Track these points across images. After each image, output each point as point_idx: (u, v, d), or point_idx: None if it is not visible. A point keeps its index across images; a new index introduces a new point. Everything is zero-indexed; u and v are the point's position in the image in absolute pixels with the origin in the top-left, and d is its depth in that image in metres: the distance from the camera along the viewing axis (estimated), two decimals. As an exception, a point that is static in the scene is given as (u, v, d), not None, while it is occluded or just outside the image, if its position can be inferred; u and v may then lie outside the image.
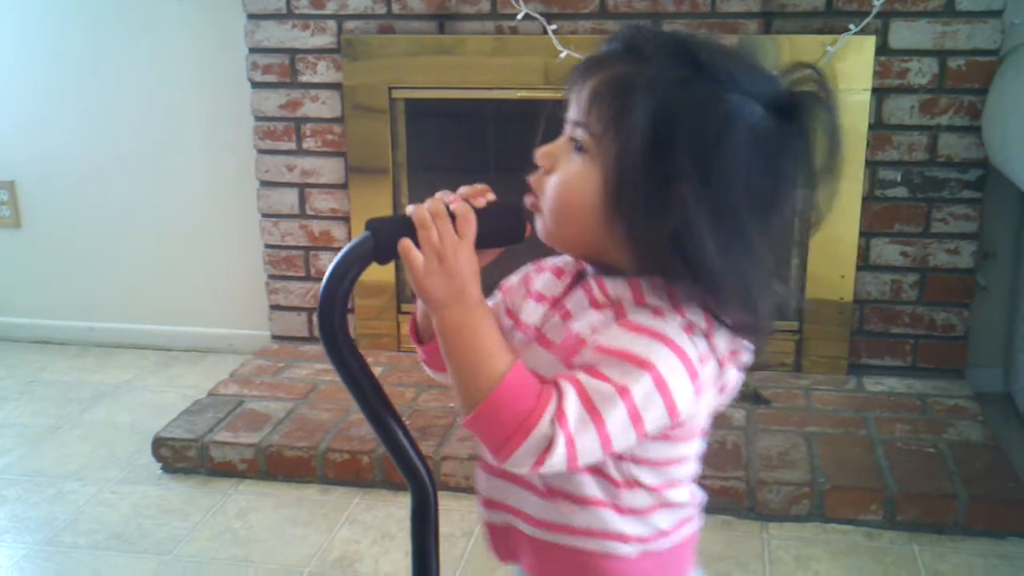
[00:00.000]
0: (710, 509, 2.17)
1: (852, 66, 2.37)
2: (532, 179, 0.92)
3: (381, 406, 0.93)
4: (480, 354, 0.85)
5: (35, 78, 2.93)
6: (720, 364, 0.88)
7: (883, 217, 2.49)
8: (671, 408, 0.84)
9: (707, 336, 0.86)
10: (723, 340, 0.87)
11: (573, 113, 0.88)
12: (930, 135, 2.43)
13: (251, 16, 2.65)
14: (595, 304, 0.89)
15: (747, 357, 0.92)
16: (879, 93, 2.42)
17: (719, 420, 2.49)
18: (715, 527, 2.02)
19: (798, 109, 0.84)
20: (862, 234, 2.50)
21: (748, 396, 2.39)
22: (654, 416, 0.84)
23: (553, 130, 0.92)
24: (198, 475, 2.27)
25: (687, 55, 0.84)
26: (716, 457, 2.12)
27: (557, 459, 0.82)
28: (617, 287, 0.88)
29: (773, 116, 0.83)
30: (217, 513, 2.13)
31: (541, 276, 0.98)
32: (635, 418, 0.83)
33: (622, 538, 0.92)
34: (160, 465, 2.29)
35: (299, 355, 2.74)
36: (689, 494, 0.96)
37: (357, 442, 2.22)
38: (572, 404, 0.82)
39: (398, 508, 2.12)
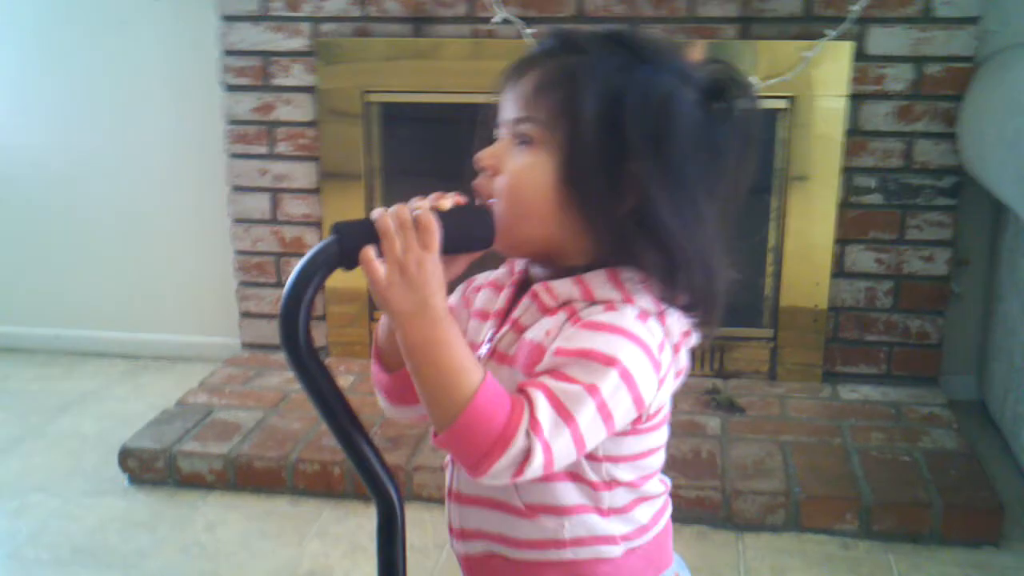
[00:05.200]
0: (685, 519, 2.14)
1: (829, 72, 2.37)
2: (477, 183, 0.92)
3: (344, 416, 0.90)
4: (450, 370, 0.83)
5: (0, 80, 2.88)
6: (675, 348, 0.90)
7: (858, 224, 2.49)
8: (638, 400, 0.85)
9: (661, 320, 0.88)
10: (675, 323, 0.89)
11: (512, 112, 0.90)
12: (906, 142, 2.43)
13: (225, 18, 2.62)
14: (546, 310, 0.90)
15: (696, 339, 0.94)
16: (856, 99, 2.41)
17: (694, 429, 2.47)
18: (690, 537, 1.99)
19: (724, 91, 0.90)
20: (837, 241, 2.49)
21: (723, 404, 2.38)
22: (623, 410, 0.85)
23: (487, 134, 0.94)
24: (166, 487, 2.22)
25: (622, 45, 0.89)
26: (691, 467, 2.10)
27: (536, 467, 0.82)
28: (565, 288, 0.89)
29: (704, 96, 0.89)
30: (185, 526, 2.09)
31: (479, 295, 1.00)
32: (605, 414, 0.83)
33: (610, 540, 0.92)
34: (127, 476, 2.25)
35: (270, 363, 2.70)
36: (660, 483, 0.98)
37: (328, 452, 2.18)
38: (544, 411, 0.82)
39: (369, 520, 2.07)
